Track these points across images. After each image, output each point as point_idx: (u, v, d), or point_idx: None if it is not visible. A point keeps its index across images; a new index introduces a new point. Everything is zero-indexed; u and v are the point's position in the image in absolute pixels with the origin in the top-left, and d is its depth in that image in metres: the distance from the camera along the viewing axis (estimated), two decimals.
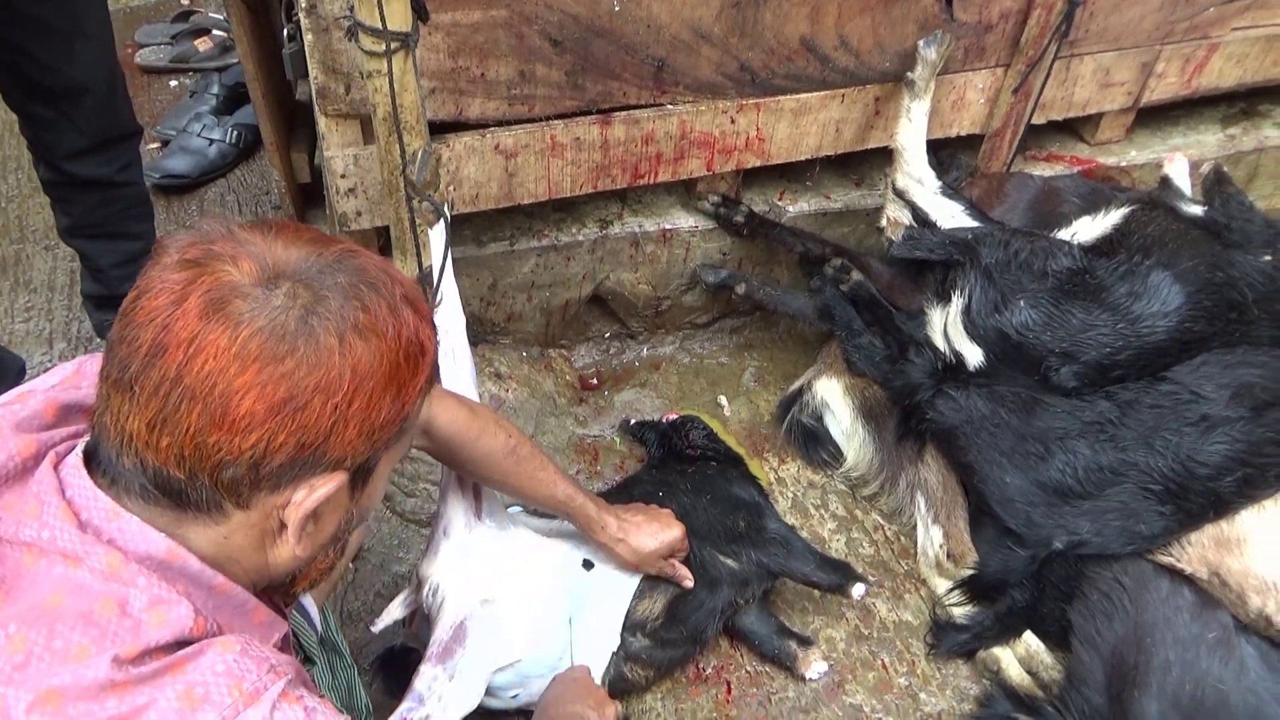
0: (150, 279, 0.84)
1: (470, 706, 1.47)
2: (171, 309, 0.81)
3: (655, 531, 1.69)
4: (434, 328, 0.96)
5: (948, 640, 1.99)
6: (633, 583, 1.73)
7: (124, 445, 0.83)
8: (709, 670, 1.94)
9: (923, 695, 1.94)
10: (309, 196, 2.23)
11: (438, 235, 1.66)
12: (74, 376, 1.01)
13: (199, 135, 2.95)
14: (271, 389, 0.81)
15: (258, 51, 1.97)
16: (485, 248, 2.20)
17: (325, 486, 0.88)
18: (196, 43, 3.36)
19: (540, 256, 2.25)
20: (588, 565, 1.72)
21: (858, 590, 1.92)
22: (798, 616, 2.03)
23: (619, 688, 1.76)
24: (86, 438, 0.92)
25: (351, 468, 0.90)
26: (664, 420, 2.27)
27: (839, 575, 1.93)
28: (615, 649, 1.70)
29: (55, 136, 1.86)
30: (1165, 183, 2.43)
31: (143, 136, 2.00)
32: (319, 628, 1.41)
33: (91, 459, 0.89)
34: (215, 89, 3.05)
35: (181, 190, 2.91)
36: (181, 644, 0.84)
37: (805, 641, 1.94)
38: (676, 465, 2.08)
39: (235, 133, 2.98)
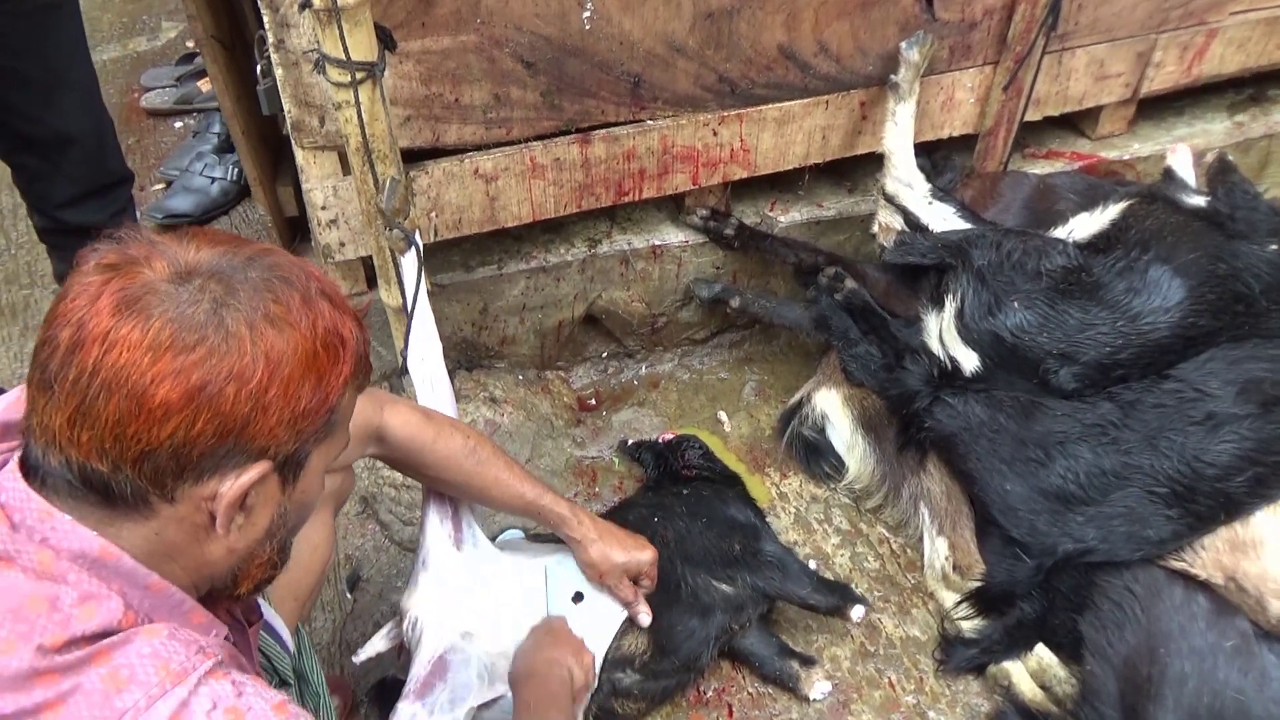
0: (69, 285, 0.87)
1: None
2: (86, 308, 0.84)
3: (629, 546, 1.65)
4: (357, 322, 0.97)
5: (956, 655, 1.93)
6: (619, 617, 1.69)
7: (49, 444, 0.86)
8: (710, 693, 1.89)
9: (931, 713, 1.88)
10: (296, 230, 2.24)
11: (409, 263, 1.65)
12: (20, 400, 1.02)
13: (201, 174, 2.99)
14: (184, 377, 0.83)
15: (235, 88, 1.99)
16: (474, 272, 2.20)
17: (249, 474, 0.89)
18: (200, 84, 3.41)
19: (529, 279, 2.24)
20: (578, 598, 1.69)
21: (857, 612, 1.87)
22: (800, 635, 1.98)
23: (604, 711, 1.72)
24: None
25: (277, 458, 0.91)
26: (660, 440, 2.24)
27: (837, 597, 1.88)
28: (595, 687, 1.65)
29: (46, 186, 1.88)
30: (1168, 175, 2.37)
31: (133, 182, 2.03)
32: (291, 650, 1.40)
33: (26, 464, 0.91)
34: (217, 127, 3.09)
35: None
36: (109, 634, 0.85)
37: (808, 661, 1.89)
38: (672, 487, 2.05)
39: (237, 170, 3.00)
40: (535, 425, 2.30)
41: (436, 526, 1.58)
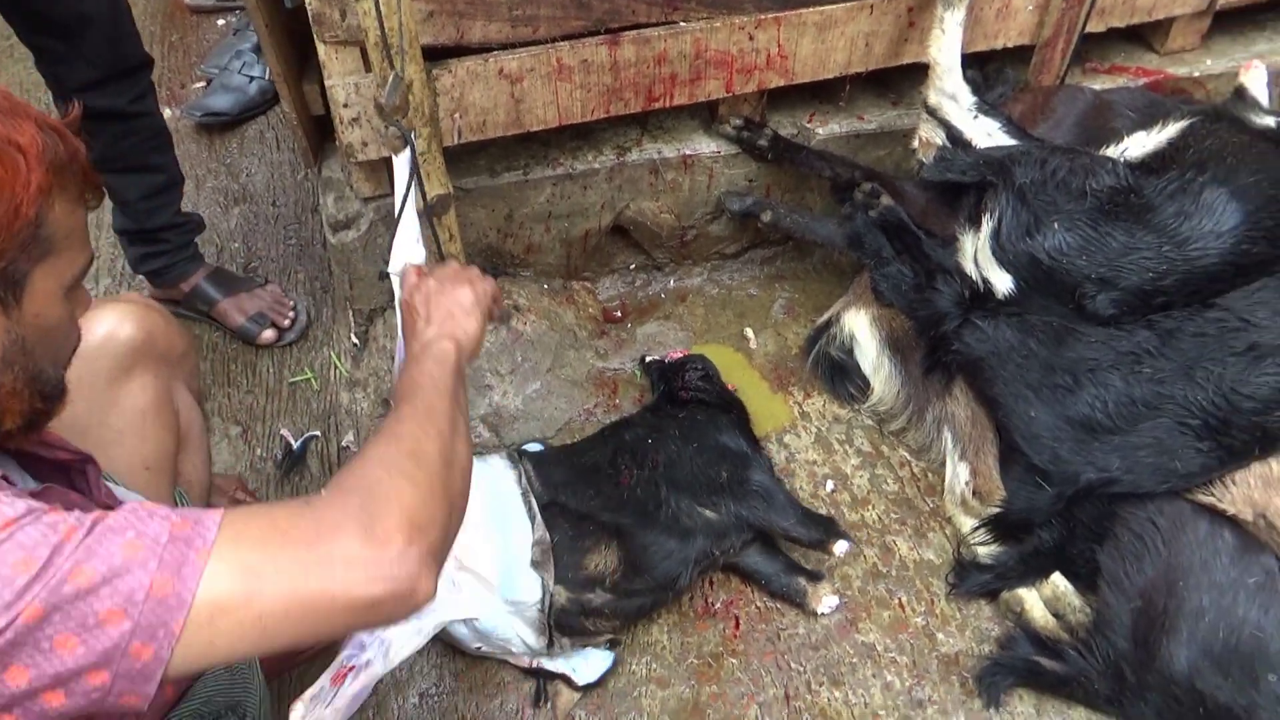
0: None
1: (412, 651, 1.47)
2: None
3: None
4: (44, 126, 0.91)
5: (970, 580, 1.91)
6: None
7: None
8: (718, 605, 1.91)
9: (940, 635, 1.87)
10: (323, 129, 2.22)
11: (402, 163, 1.63)
12: None
13: (240, 73, 2.98)
14: None
15: None
16: (499, 177, 2.17)
17: None
18: None
19: (556, 185, 2.20)
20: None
21: (840, 547, 1.85)
22: (813, 553, 1.96)
23: (575, 629, 1.73)
24: None
25: None
26: (666, 359, 2.22)
27: (821, 530, 1.86)
28: (543, 597, 1.66)
29: (66, 69, 1.89)
30: (1239, 93, 2.21)
31: (153, 67, 2.02)
32: None
33: None
34: None
35: (223, 128, 2.95)
36: None
37: (815, 576, 1.89)
38: (671, 409, 2.03)
39: None
40: (559, 335, 2.28)
41: None
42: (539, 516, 1.72)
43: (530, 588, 1.66)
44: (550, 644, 1.71)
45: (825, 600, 1.86)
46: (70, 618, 0.79)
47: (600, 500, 1.79)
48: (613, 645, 1.81)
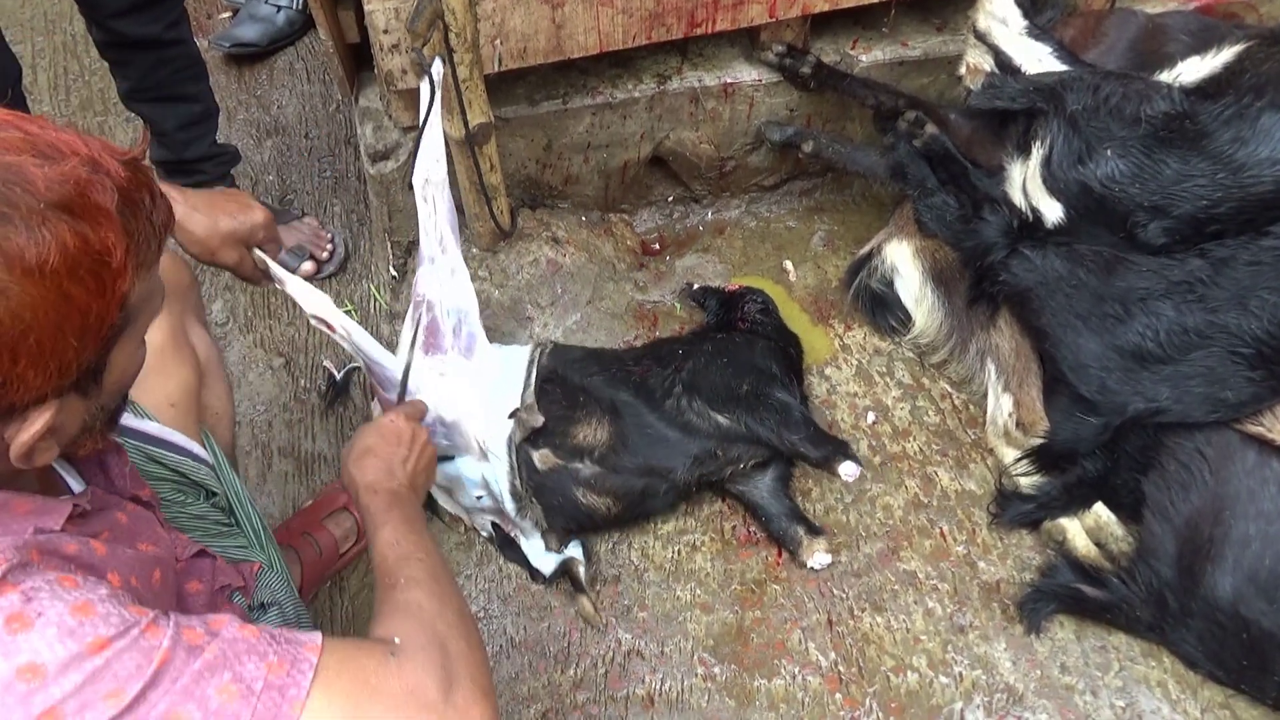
0: None
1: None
2: None
3: (234, 210, 1.42)
4: (120, 214, 0.80)
5: (1012, 509, 1.92)
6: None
7: None
8: (760, 534, 1.93)
9: (981, 564, 1.89)
10: (359, 57, 2.19)
11: (425, 88, 1.65)
12: None
13: (267, 3, 2.94)
14: None
15: None
16: (538, 106, 2.14)
17: (35, 425, 0.81)
18: None
19: (595, 115, 2.17)
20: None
21: (845, 469, 1.82)
22: (855, 484, 1.97)
23: (581, 516, 1.81)
24: None
25: (61, 393, 0.82)
26: (726, 289, 2.21)
27: (829, 449, 1.84)
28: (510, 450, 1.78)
29: None
30: None
31: None
32: (205, 458, 1.38)
33: None
34: None
35: (252, 59, 2.92)
36: None
37: (815, 530, 1.88)
38: (716, 333, 2.03)
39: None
40: (597, 267, 2.28)
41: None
42: (531, 384, 1.82)
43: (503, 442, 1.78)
44: (520, 506, 1.79)
45: (817, 556, 1.85)
46: None
47: (602, 378, 1.86)
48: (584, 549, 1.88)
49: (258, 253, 1.47)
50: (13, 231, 0.73)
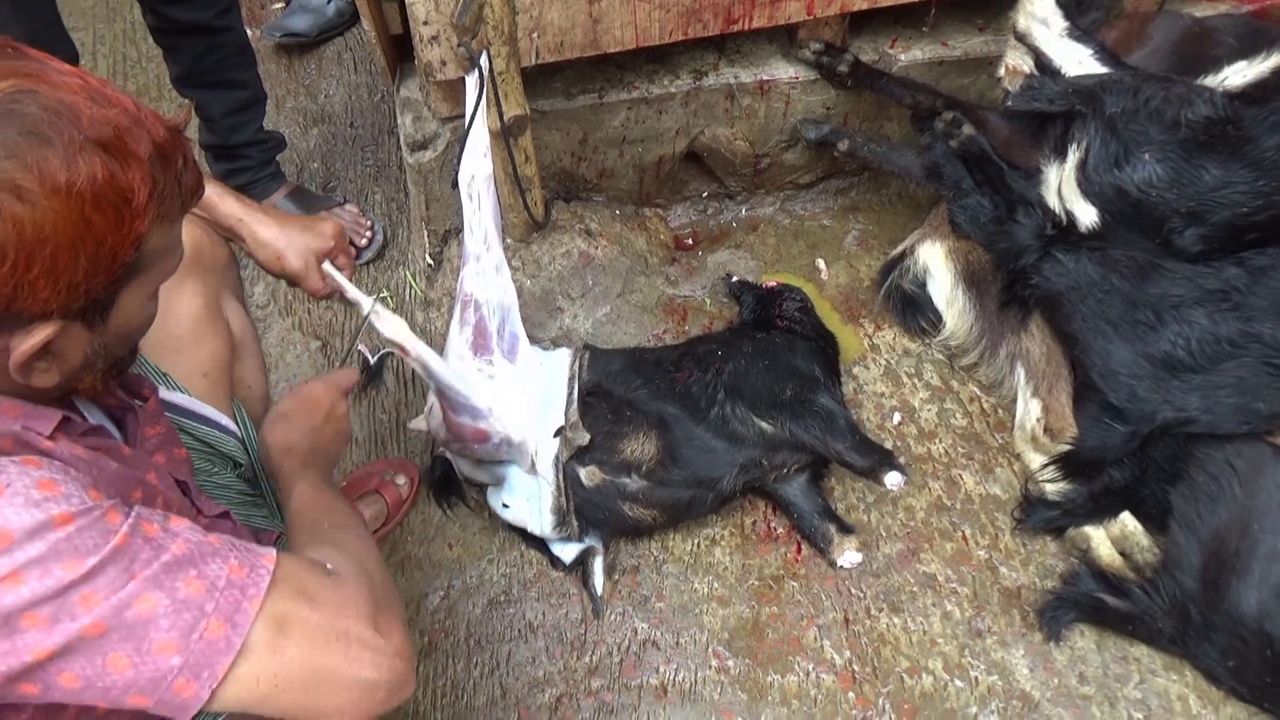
0: None
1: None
2: None
3: (305, 223, 1.49)
4: (150, 163, 0.88)
5: (1036, 515, 1.91)
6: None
7: None
8: (780, 530, 1.93)
9: (1003, 569, 1.87)
10: (401, 49, 2.23)
11: (472, 81, 1.66)
12: None
13: None
14: None
15: None
16: (574, 100, 2.16)
17: (36, 336, 0.86)
18: None
19: (631, 109, 2.19)
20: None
21: (891, 479, 1.81)
22: (875, 488, 1.97)
23: (612, 513, 1.80)
24: None
25: (67, 315, 0.88)
26: (764, 286, 2.21)
27: (875, 459, 1.83)
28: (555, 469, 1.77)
29: None
30: None
31: None
32: (234, 430, 1.42)
33: None
34: None
35: (302, 49, 2.99)
36: None
37: (846, 529, 1.88)
38: (755, 331, 2.03)
39: None
40: (629, 261, 2.30)
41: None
42: (575, 400, 1.81)
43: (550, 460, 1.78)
44: (560, 525, 1.78)
45: (848, 555, 1.85)
46: (128, 640, 0.83)
47: (648, 390, 1.85)
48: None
49: (331, 270, 1.50)
50: (51, 154, 0.81)
